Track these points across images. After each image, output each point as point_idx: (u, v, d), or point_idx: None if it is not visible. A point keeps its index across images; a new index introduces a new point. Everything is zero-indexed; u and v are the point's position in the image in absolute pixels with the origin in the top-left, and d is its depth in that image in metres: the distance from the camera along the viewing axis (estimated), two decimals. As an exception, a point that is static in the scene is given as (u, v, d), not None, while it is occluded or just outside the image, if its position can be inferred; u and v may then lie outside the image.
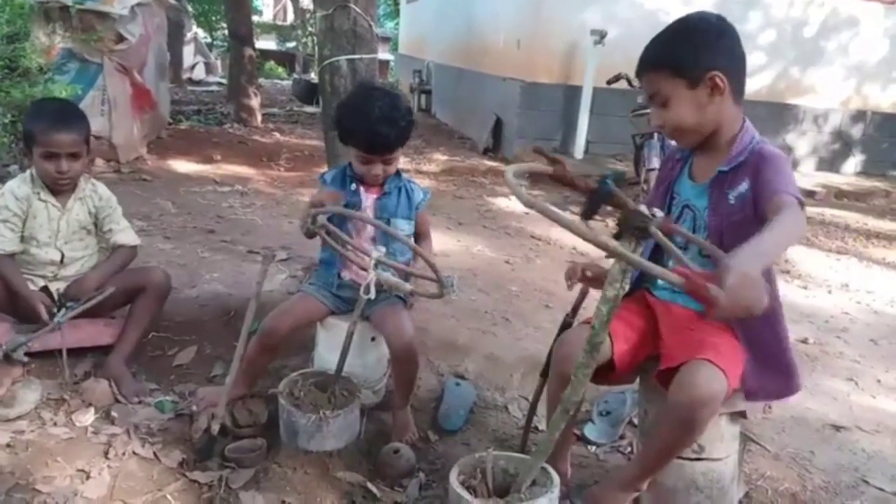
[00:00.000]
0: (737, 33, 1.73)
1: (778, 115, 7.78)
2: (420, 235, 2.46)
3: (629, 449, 2.37)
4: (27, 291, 2.43)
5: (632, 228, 1.38)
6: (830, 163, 8.15)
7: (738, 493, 2.01)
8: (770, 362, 1.74)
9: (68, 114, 2.51)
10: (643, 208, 1.38)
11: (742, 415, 1.82)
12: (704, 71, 1.67)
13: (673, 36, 1.73)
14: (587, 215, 1.65)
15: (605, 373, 1.82)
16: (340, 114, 2.37)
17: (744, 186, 1.68)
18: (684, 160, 1.90)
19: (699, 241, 1.61)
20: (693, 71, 1.67)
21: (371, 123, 2.21)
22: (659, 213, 1.40)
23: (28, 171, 2.53)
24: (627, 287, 1.46)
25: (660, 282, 1.93)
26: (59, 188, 2.50)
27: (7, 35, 4.37)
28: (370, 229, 2.35)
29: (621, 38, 6.65)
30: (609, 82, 5.58)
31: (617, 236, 1.44)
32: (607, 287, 1.43)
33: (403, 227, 2.37)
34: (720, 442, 1.80)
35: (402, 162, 2.42)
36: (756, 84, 7.65)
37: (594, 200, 1.57)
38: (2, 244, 2.42)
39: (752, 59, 7.44)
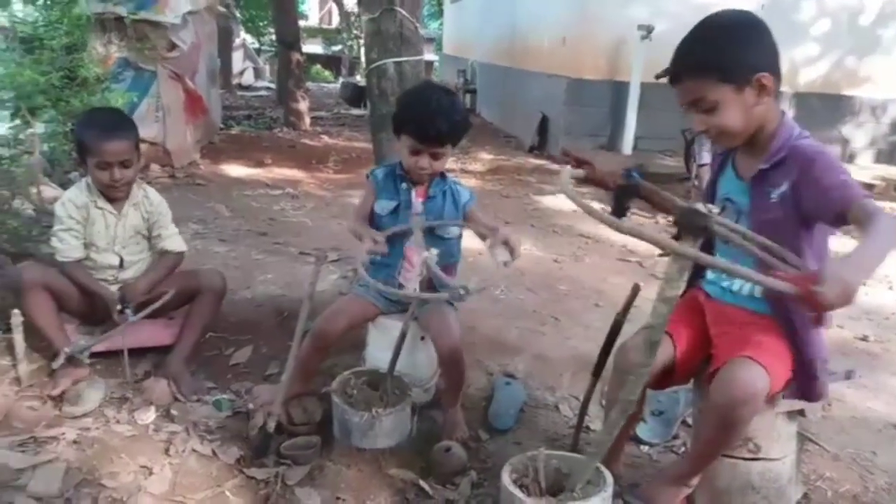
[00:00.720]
0: (768, 27, 1.67)
1: (834, 106, 7.57)
2: (480, 229, 2.37)
3: (682, 449, 2.34)
4: (104, 289, 2.53)
5: (692, 228, 1.36)
6: (889, 155, 7.88)
7: (796, 495, 1.98)
8: (804, 364, 1.70)
9: (117, 123, 2.57)
10: (700, 206, 1.36)
11: (800, 413, 1.79)
12: (752, 73, 1.61)
13: (713, 38, 1.65)
14: (618, 212, 1.65)
15: (666, 376, 1.81)
16: (400, 103, 2.42)
17: (785, 186, 1.64)
18: (725, 154, 1.87)
19: (757, 238, 1.57)
20: (741, 74, 1.61)
21: (427, 112, 2.23)
22: (714, 209, 1.39)
23: (84, 180, 2.62)
24: (684, 286, 1.44)
25: (710, 276, 1.90)
26: (114, 195, 2.58)
27: (66, 46, 4.51)
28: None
29: (669, 33, 6.49)
30: (658, 77, 5.50)
31: (676, 237, 1.43)
32: (665, 287, 1.41)
33: (451, 230, 2.38)
34: (777, 442, 1.77)
35: (448, 162, 2.43)
36: (810, 75, 7.45)
37: (623, 195, 1.56)
38: (69, 251, 2.52)
39: (806, 50, 7.33)
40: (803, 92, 7.43)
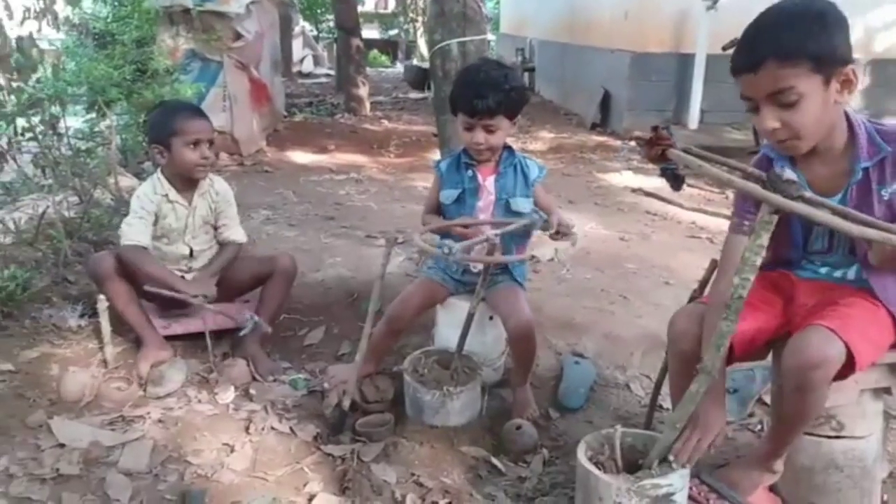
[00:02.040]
0: None
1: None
2: (543, 209, 2.37)
3: (759, 427, 2.30)
4: (166, 274, 2.53)
5: (786, 197, 1.30)
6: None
7: (882, 473, 1.92)
8: None
9: (196, 107, 2.73)
10: (789, 174, 1.32)
11: (887, 391, 1.73)
12: (842, 64, 1.49)
13: (806, 22, 1.48)
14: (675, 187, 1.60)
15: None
16: (454, 83, 2.42)
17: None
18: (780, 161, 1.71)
19: (857, 215, 1.51)
20: (833, 65, 1.48)
21: (475, 85, 2.24)
22: (792, 176, 1.34)
23: (154, 176, 2.67)
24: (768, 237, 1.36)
25: (806, 266, 1.83)
26: (200, 176, 2.64)
27: (136, 40, 4.65)
28: (492, 209, 2.37)
29: (735, 2, 6.32)
30: (725, 48, 5.30)
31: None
32: (755, 237, 1.36)
33: (523, 206, 2.36)
34: (862, 419, 1.72)
35: (510, 141, 2.41)
36: (886, 41, 7.10)
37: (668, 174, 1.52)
38: (134, 234, 2.55)
39: (882, 15, 6.99)
40: (879, 58, 7.08)
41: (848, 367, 1.51)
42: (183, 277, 2.64)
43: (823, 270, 1.78)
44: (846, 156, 1.61)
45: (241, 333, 2.49)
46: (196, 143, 2.57)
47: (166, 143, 2.58)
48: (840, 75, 1.50)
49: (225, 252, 2.76)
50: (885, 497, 1.92)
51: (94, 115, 4.10)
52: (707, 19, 6.64)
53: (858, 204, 1.60)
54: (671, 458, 1.61)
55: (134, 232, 2.56)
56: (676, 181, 1.72)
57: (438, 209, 2.46)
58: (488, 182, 2.37)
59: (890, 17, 7.02)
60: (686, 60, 6.97)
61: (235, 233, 2.80)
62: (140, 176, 4.42)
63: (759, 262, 1.39)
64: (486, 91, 2.21)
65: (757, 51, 1.49)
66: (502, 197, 2.36)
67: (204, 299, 2.47)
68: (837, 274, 1.76)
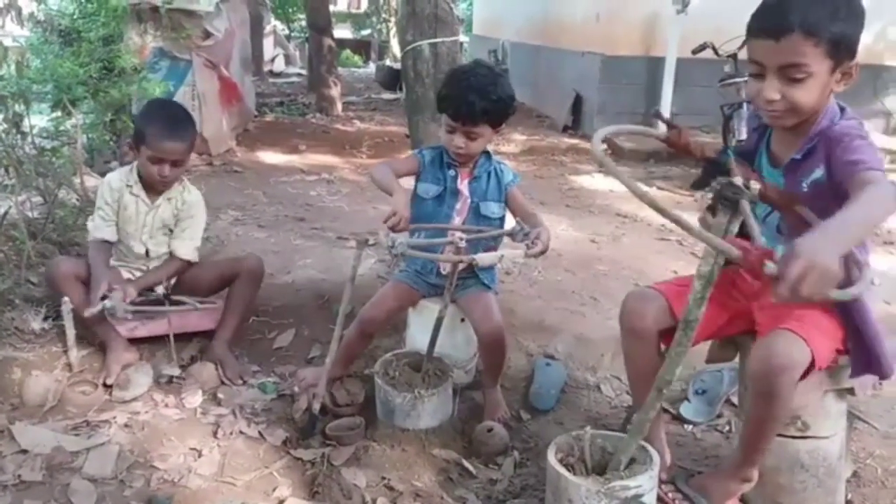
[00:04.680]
0: None
1: (875, 78, 7.35)
2: (518, 212, 2.36)
3: (727, 428, 2.33)
4: (100, 274, 2.43)
5: (725, 201, 1.34)
6: (936, 126, 7.66)
7: (846, 473, 1.95)
8: (859, 339, 1.65)
9: (179, 122, 2.58)
10: (739, 180, 1.34)
11: (849, 391, 1.76)
12: (851, 58, 1.52)
13: (838, 7, 1.48)
14: (699, 185, 1.61)
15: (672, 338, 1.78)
16: (443, 81, 2.43)
17: (818, 173, 1.58)
18: (761, 134, 1.78)
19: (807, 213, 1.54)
20: (844, 56, 1.51)
21: (462, 89, 2.21)
22: (755, 186, 1.36)
23: (132, 164, 2.65)
24: (722, 261, 1.41)
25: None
26: (158, 187, 2.61)
27: (103, 37, 4.57)
28: (466, 212, 2.37)
29: (705, 6, 6.41)
30: (694, 52, 5.38)
31: (712, 208, 1.42)
32: (702, 263, 1.40)
33: (494, 210, 2.37)
34: (826, 419, 1.75)
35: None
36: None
37: (709, 171, 1.53)
38: (97, 231, 2.57)
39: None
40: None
41: (808, 368, 1.54)
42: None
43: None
44: (800, 142, 1.64)
45: (88, 313, 2.32)
46: (159, 161, 2.51)
47: (136, 144, 2.55)
48: (845, 67, 1.53)
49: (164, 266, 2.64)
50: (849, 496, 1.96)
51: (59, 113, 4.02)
52: (677, 23, 6.71)
53: (790, 190, 1.65)
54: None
55: (96, 228, 2.58)
56: (702, 182, 1.71)
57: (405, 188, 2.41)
58: (463, 185, 2.37)
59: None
60: (656, 64, 7.03)
61: (185, 249, 2.64)
62: (105, 175, 4.35)
63: (700, 316, 1.40)
64: (474, 97, 2.18)
65: (786, 18, 1.47)
66: (474, 200, 2.36)
67: (100, 311, 2.33)
68: None
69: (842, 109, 1.63)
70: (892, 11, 7.29)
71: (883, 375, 1.67)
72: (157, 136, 2.49)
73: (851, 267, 1.37)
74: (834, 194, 1.49)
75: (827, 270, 1.10)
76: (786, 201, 1.65)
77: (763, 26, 1.52)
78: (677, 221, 1.21)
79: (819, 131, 1.60)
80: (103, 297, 2.33)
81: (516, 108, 2.38)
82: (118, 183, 2.60)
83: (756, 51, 1.55)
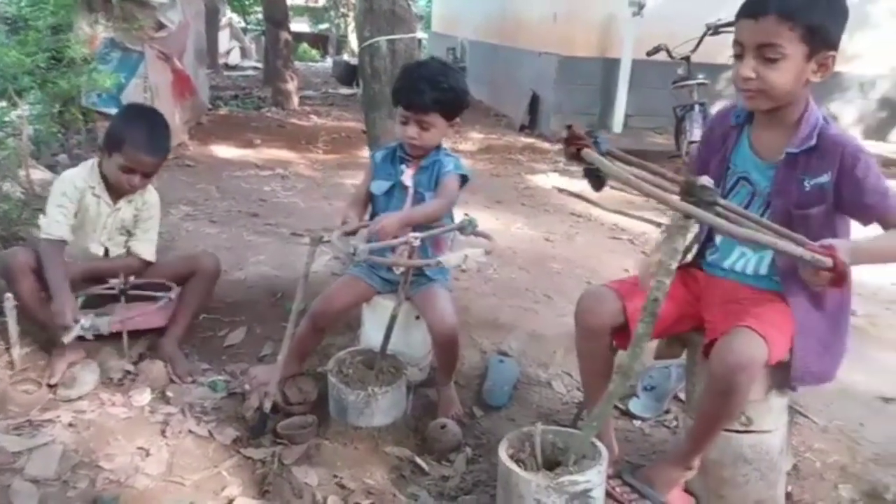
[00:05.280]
0: None
1: (821, 83, 7.56)
2: (437, 196, 2.34)
3: (674, 423, 2.38)
4: (59, 285, 2.34)
5: (700, 203, 1.35)
6: (878, 131, 7.91)
7: (786, 466, 2.01)
8: (823, 344, 1.71)
9: (160, 136, 2.54)
10: (706, 180, 1.36)
11: (791, 387, 1.81)
12: (829, 47, 1.59)
13: (821, 0, 1.59)
14: (596, 183, 1.65)
15: (622, 335, 1.82)
16: (398, 75, 2.45)
17: (825, 178, 1.65)
18: (740, 128, 1.82)
19: (757, 218, 1.58)
20: (821, 43, 1.58)
21: (413, 79, 2.27)
22: (708, 182, 1.39)
23: (92, 162, 2.57)
24: (690, 258, 1.44)
25: (710, 258, 1.91)
26: (123, 191, 2.56)
27: (52, 27, 4.45)
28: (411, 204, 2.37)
29: (660, 9, 6.53)
30: (649, 54, 5.48)
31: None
32: (669, 240, 1.41)
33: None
34: (768, 414, 1.80)
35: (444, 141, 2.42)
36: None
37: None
38: (54, 229, 2.44)
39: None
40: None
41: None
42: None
43: (728, 264, 1.86)
44: (790, 133, 1.70)
45: (65, 339, 2.28)
46: (131, 171, 2.47)
47: (108, 149, 2.48)
48: (822, 56, 1.60)
49: (125, 262, 2.61)
50: (789, 488, 2.02)
51: (4, 104, 3.90)
52: (633, 25, 6.81)
53: (785, 185, 1.70)
54: None
55: (54, 226, 2.45)
56: (597, 181, 1.75)
57: (365, 201, 2.44)
58: (407, 177, 2.37)
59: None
60: (612, 65, 7.13)
61: (146, 250, 2.65)
62: (54, 169, 4.23)
63: (674, 266, 1.43)
64: (424, 86, 2.23)
65: (766, 1, 1.57)
66: (419, 192, 2.36)
67: (68, 330, 2.29)
68: (744, 268, 1.83)
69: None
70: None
71: (823, 380, 1.75)
72: (135, 148, 2.43)
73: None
74: (835, 203, 1.64)
75: (848, 273, 1.39)
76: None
77: (745, 8, 1.62)
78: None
79: (814, 130, 1.66)
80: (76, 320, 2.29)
81: (469, 101, 2.41)
82: (82, 183, 2.52)
83: (739, 31, 1.65)
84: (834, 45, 1.60)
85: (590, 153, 1.42)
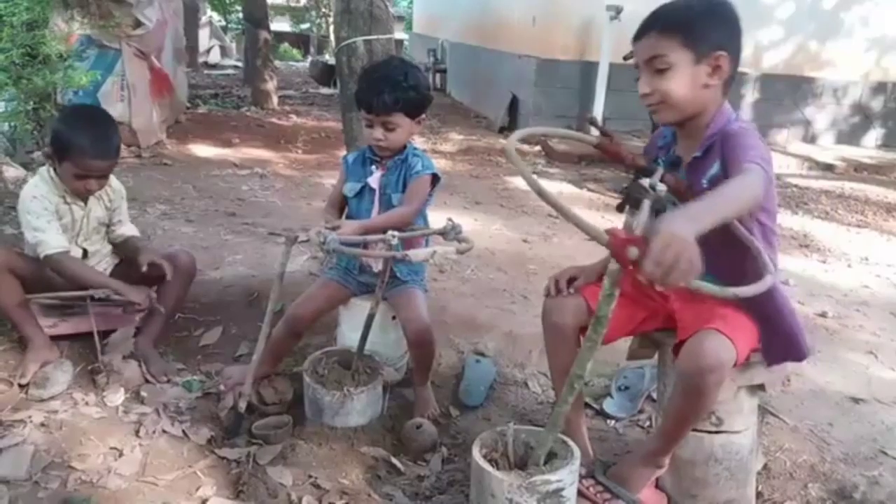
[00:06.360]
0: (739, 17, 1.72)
1: (796, 88, 7.69)
2: (404, 201, 2.34)
3: (648, 423, 2.40)
4: (106, 280, 2.43)
5: (632, 199, 1.44)
6: (850, 136, 8.04)
7: (757, 465, 2.04)
8: (775, 330, 1.74)
9: (107, 137, 2.44)
10: (646, 181, 1.40)
11: (761, 388, 1.84)
12: (715, 48, 1.65)
13: (689, 6, 1.69)
14: (622, 207, 1.66)
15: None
16: (358, 78, 2.45)
17: (715, 168, 1.68)
18: (667, 148, 1.87)
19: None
20: (704, 45, 1.64)
21: (373, 80, 2.27)
22: (661, 187, 1.43)
23: (46, 171, 2.48)
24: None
25: None
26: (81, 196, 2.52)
27: (27, 22, 4.39)
28: (379, 205, 2.38)
29: (638, 13, 6.46)
30: (625, 58, 5.48)
31: (620, 206, 1.49)
32: (611, 261, 1.43)
33: (397, 202, 2.35)
34: (739, 414, 1.82)
35: (418, 142, 2.42)
36: (774, 58, 7.54)
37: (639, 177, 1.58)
38: (61, 241, 2.40)
39: (770, 34, 7.41)
40: (767, 74, 7.53)
41: None
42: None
43: None
44: (699, 142, 1.74)
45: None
46: (85, 177, 2.41)
47: (57, 156, 2.40)
48: (711, 59, 1.65)
49: (140, 245, 2.65)
50: (760, 487, 2.05)
51: (-24, 100, 3.86)
52: (611, 29, 6.86)
53: (690, 184, 1.73)
54: None
55: (53, 238, 2.38)
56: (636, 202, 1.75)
57: (341, 204, 2.45)
58: (374, 179, 2.37)
59: (776, 36, 7.46)
60: (590, 68, 7.18)
61: (130, 228, 2.69)
62: (28, 166, 4.19)
63: (609, 313, 1.45)
64: (384, 87, 2.23)
65: (644, 22, 1.71)
66: (386, 193, 2.36)
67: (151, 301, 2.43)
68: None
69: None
70: (810, 27, 7.64)
71: (800, 358, 1.76)
72: (84, 154, 2.36)
73: (759, 266, 1.45)
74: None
75: (684, 246, 1.16)
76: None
77: (634, 36, 1.74)
78: (559, 208, 1.33)
79: (718, 130, 1.71)
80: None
81: (432, 98, 2.42)
82: (55, 196, 2.45)
83: (634, 56, 1.74)
84: (720, 46, 1.65)
85: (509, 147, 1.44)
